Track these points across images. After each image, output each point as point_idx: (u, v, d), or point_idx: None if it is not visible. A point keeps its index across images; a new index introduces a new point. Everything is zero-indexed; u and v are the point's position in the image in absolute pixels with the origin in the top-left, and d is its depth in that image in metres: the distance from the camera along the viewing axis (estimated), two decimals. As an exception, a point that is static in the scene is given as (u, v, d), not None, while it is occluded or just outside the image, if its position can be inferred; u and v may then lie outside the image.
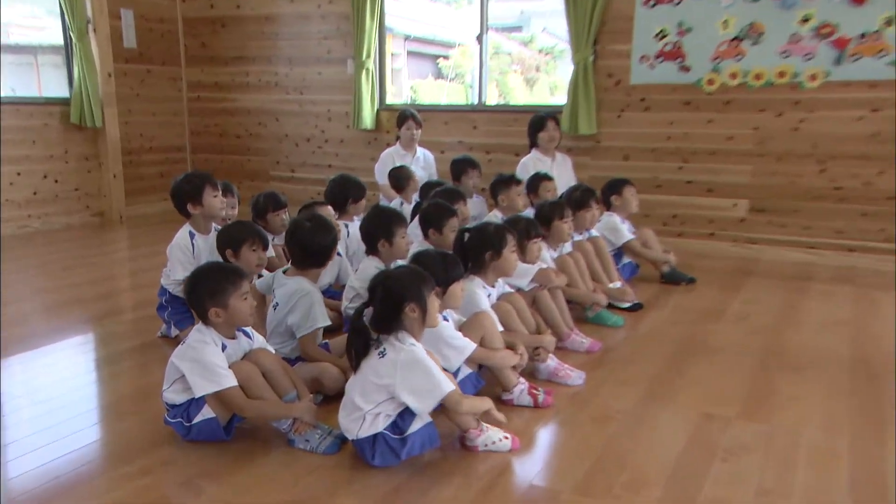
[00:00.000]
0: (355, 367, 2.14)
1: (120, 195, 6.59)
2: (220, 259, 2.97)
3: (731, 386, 2.80)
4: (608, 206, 4.29)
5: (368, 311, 2.13)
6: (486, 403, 2.25)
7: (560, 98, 7.25)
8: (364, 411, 2.09)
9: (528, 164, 4.83)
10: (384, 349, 2.09)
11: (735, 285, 4.33)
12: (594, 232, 4.01)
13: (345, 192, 3.94)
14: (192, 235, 3.24)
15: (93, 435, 2.42)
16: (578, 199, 3.85)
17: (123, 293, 4.43)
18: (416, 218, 3.56)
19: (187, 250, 3.21)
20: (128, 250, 5.69)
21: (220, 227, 3.22)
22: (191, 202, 3.21)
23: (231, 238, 3.00)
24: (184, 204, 3.22)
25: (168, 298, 3.26)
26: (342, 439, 2.25)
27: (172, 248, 3.23)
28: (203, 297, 2.25)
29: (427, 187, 4.25)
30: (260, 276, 3.11)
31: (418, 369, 2.07)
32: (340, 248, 3.59)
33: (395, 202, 4.71)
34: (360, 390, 2.11)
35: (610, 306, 3.69)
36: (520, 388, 2.60)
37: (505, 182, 4.11)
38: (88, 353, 3.32)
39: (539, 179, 4.25)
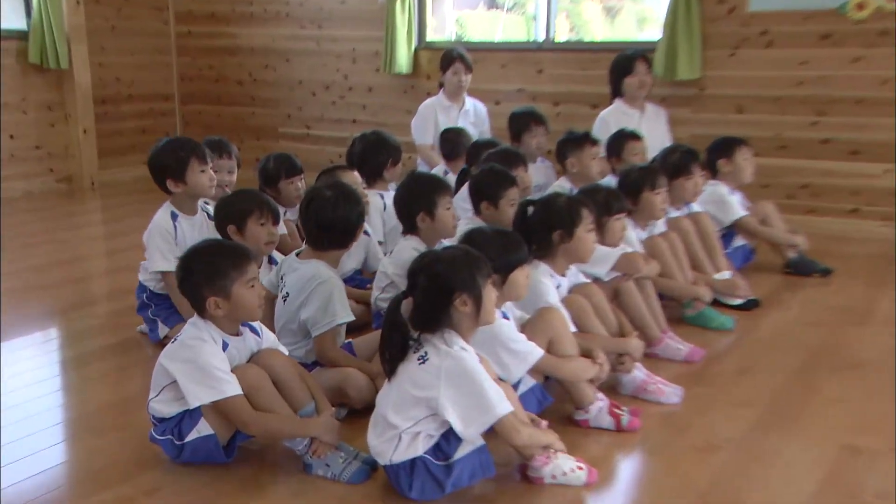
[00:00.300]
0: (390, 372, 2.16)
1: (91, 155, 6.74)
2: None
3: (882, 410, 2.75)
4: (714, 174, 4.24)
5: (407, 303, 2.14)
6: (550, 437, 2.26)
7: (652, 33, 7.15)
8: (399, 430, 2.11)
9: (609, 120, 4.79)
10: (426, 353, 2.11)
11: (886, 278, 4.24)
12: (696, 206, 3.97)
13: (377, 153, 3.96)
14: (174, 217, 3.28)
15: (59, 455, 2.49)
16: (675, 164, 3.81)
17: (96, 278, 4.54)
18: (464, 188, 3.57)
19: (169, 235, 3.25)
20: (101, 225, 5.83)
21: (207, 204, 3.26)
22: (171, 178, 3.24)
23: (234, 210, 3.03)
24: (163, 179, 3.26)
25: (149, 295, 3.32)
26: (371, 465, 2.28)
27: (151, 233, 3.28)
28: (200, 283, 2.29)
29: (478, 148, 4.23)
30: (270, 259, 3.16)
31: (466, 382, 2.08)
32: (372, 224, 3.61)
33: (436, 169, 4.72)
34: (394, 403, 2.13)
35: (715, 303, 3.66)
36: (598, 407, 2.59)
37: (576, 141, 4.09)
38: (52, 353, 3.41)
39: (623, 138, 4.21)
